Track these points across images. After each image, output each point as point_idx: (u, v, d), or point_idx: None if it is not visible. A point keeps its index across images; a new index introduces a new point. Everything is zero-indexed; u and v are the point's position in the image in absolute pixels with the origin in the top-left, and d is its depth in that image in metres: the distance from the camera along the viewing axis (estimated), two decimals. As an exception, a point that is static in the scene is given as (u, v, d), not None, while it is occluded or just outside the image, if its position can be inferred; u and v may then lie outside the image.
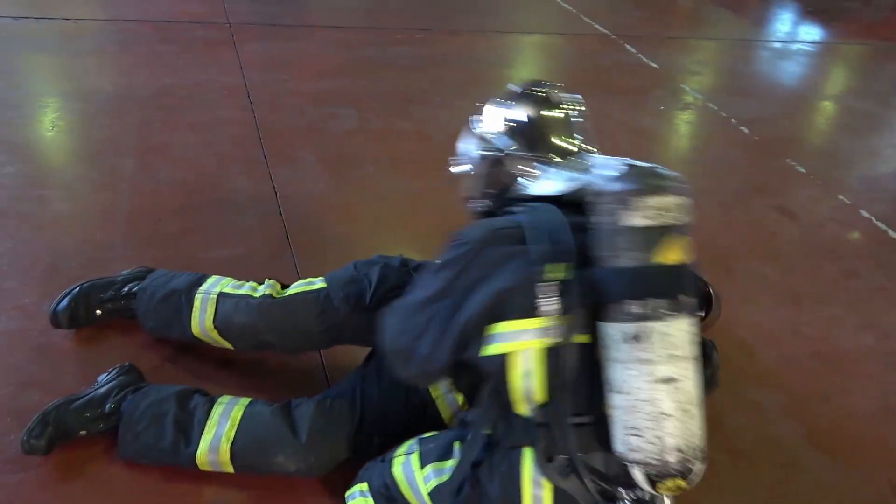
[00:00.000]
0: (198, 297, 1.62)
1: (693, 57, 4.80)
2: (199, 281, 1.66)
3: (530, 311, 1.06)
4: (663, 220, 1.01)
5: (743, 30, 5.82)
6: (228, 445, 1.41)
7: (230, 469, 1.43)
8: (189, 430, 1.42)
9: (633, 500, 1.06)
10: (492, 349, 1.10)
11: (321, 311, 1.54)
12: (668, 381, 0.98)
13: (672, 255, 1.01)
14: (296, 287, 1.62)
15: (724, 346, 2.06)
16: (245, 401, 1.50)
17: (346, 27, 4.37)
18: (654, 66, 4.39)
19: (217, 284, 1.65)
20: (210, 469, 1.44)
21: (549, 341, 1.06)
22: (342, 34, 4.22)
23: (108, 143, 2.68)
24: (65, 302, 1.69)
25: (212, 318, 1.60)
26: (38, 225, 2.17)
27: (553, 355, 1.06)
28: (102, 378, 1.54)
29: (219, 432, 1.42)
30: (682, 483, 1.00)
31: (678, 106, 3.88)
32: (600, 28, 4.99)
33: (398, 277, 1.53)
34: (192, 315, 1.61)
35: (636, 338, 0.99)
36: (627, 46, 4.66)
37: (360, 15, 4.76)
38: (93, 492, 1.42)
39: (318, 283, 1.60)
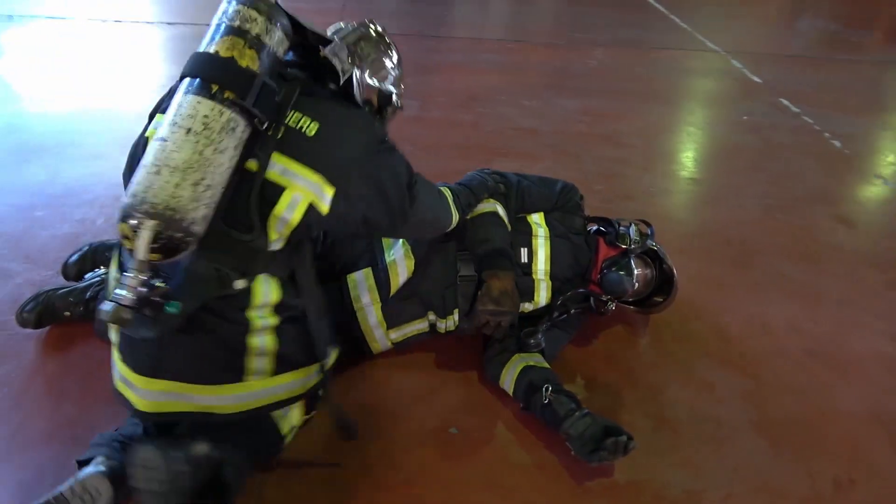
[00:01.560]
0: None
1: (804, 74, 4.45)
2: None
3: None
4: (230, 21, 1.17)
5: (881, 51, 5.25)
6: (178, 319, 1.65)
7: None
8: (149, 309, 1.70)
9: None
10: None
11: None
12: (160, 139, 1.11)
13: (219, 48, 1.16)
14: None
15: (700, 330, 1.98)
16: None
17: (462, 38, 4.68)
18: (757, 80, 4.15)
19: None
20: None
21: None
22: (445, 43, 4.53)
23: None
24: (75, 256, 1.89)
25: None
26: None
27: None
28: (89, 276, 1.85)
29: (172, 310, 1.68)
30: (124, 227, 1.08)
31: (767, 117, 3.64)
32: (711, 45, 4.82)
33: None
34: None
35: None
36: (733, 62, 4.46)
37: (475, 28, 5.06)
38: (75, 355, 1.73)
39: None
